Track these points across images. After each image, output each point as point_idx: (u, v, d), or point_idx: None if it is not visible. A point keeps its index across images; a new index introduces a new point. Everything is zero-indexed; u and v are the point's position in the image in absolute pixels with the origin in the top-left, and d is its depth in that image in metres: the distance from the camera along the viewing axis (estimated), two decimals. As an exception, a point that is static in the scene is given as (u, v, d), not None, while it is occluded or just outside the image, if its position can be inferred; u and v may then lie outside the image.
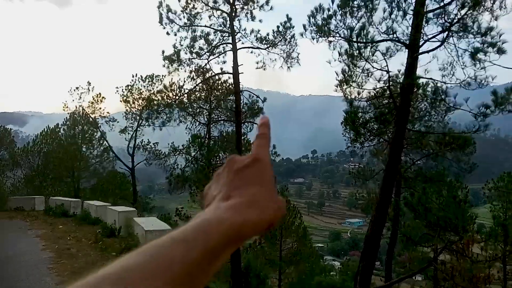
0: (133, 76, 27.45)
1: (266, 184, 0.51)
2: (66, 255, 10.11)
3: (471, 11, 12.21)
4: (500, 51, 11.73)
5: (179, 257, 0.39)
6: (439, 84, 14.84)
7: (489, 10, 12.23)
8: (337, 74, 14.36)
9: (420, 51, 12.89)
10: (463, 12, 12.30)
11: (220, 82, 22.47)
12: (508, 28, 12.37)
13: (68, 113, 29.98)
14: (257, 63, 20.00)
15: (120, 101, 27.61)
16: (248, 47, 19.48)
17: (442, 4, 12.84)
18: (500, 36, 11.84)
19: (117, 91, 27.54)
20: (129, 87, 27.36)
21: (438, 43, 12.97)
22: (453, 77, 13.35)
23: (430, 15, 13.01)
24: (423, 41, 13.07)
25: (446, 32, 12.73)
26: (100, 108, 29.26)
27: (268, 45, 19.22)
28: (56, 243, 11.67)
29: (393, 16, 12.94)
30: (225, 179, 0.53)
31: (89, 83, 29.00)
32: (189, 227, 0.43)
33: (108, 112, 29.69)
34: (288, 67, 19.49)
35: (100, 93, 29.28)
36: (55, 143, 29.87)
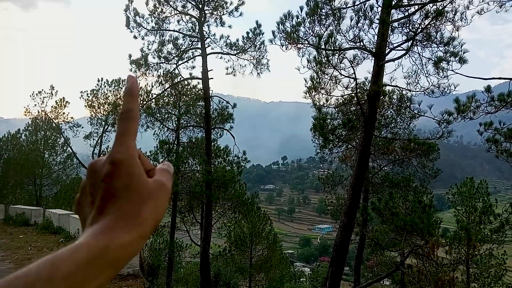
0: (98, 81, 26.73)
1: (131, 186, 0.43)
2: (26, 265, 9.67)
3: (434, 21, 12.60)
4: (462, 61, 12.12)
5: None
6: (404, 92, 15.26)
7: (451, 20, 12.66)
8: (306, 81, 14.47)
9: (386, 59, 13.16)
10: (426, 22, 12.67)
11: (189, 87, 22.20)
12: (469, 39, 12.83)
13: (30, 118, 28.86)
14: (227, 69, 19.90)
15: (85, 106, 26.80)
16: (218, 53, 19.36)
17: (406, 14, 13.20)
18: (461, 46, 12.27)
19: (81, 95, 26.71)
20: (94, 92, 26.61)
21: (403, 52, 13.30)
22: (417, 85, 13.71)
23: (396, 24, 13.35)
24: (389, 49, 13.37)
25: (411, 41, 13.07)
26: (63, 113, 28.36)
27: (238, 51, 19.14)
28: (16, 253, 11.39)
29: (360, 24, 13.18)
30: (92, 193, 0.45)
31: (52, 87, 28.02)
32: (40, 261, 0.38)
33: (72, 117, 28.81)
34: (258, 73, 19.48)
35: (63, 98, 28.40)
36: (16, 149, 28.69)
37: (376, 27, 12.95)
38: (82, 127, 28.42)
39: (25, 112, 28.28)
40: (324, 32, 13.06)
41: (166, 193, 0.46)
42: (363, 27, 13.16)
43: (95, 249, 0.39)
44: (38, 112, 28.37)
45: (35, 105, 28.01)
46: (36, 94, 27.74)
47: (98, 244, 0.39)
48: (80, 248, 0.38)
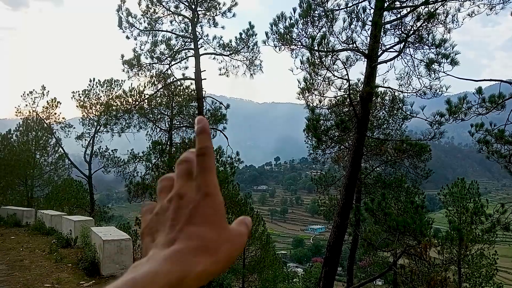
0: (90, 81, 26.54)
1: (218, 222, 0.43)
2: (18, 267, 9.83)
3: (426, 23, 12.71)
4: (453, 62, 12.24)
5: None
6: (396, 93, 15.37)
7: (442, 23, 12.79)
8: (299, 82, 14.51)
9: (378, 61, 13.24)
10: (418, 24, 12.78)
11: (182, 88, 22.13)
12: (459, 40, 12.96)
13: (21, 119, 28.55)
14: (220, 69, 19.90)
15: (77, 106, 26.59)
16: (211, 53, 19.36)
17: (399, 16, 13.30)
18: (453, 48, 12.38)
19: (73, 96, 26.50)
20: (86, 92, 26.42)
21: (396, 53, 13.40)
22: (409, 86, 13.83)
23: (388, 26, 13.45)
24: (381, 51, 13.46)
25: (403, 43, 13.16)
26: (55, 114, 28.12)
27: (231, 52, 19.15)
28: (7, 254, 11.34)
29: (352, 26, 13.26)
30: (170, 218, 0.44)
31: (43, 87, 27.75)
32: (119, 282, 0.38)
33: (63, 118, 28.60)
34: (251, 74, 19.52)
35: (55, 98, 28.15)
36: (7, 149, 28.38)
37: (368, 29, 13.04)
38: (74, 128, 28.19)
39: (16, 112, 28.00)
40: (317, 33, 13.13)
41: (242, 244, 0.46)
42: (355, 28, 13.25)
43: (173, 281, 0.38)
44: (30, 112, 28.10)
45: (26, 105, 27.75)
46: (27, 94, 27.48)
47: (175, 274, 0.39)
48: (157, 277, 0.38)
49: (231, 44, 19.01)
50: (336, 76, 13.81)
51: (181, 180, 0.46)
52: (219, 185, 0.46)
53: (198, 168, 0.46)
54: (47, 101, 27.88)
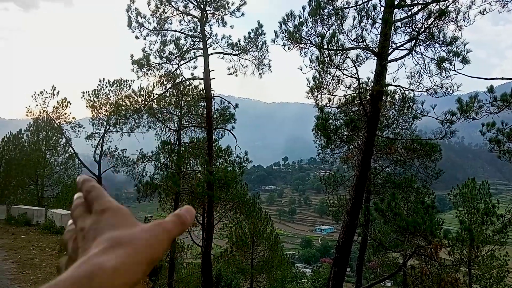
0: (100, 81, 26.71)
1: (125, 222, 0.44)
2: (29, 265, 9.91)
3: (437, 21, 12.55)
4: (465, 61, 12.06)
5: None
6: (407, 92, 15.23)
7: (454, 20, 12.61)
8: (308, 81, 14.43)
9: (388, 59, 13.10)
10: (429, 21, 12.62)
11: (190, 87, 22.17)
12: (470, 39, 12.78)
13: (31, 119, 28.87)
14: (229, 69, 19.87)
15: (87, 106, 26.77)
16: (219, 53, 19.32)
17: (409, 13, 13.15)
18: (464, 46, 12.21)
19: (83, 96, 26.69)
20: (96, 92, 26.58)
21: (406, 52, 13.25)
22: (420, 85, 13.66)
23: (398, 24, 13.31)
24: (392, 49, 13.32)
25: (414, 41, 13.02)
26: (65, 114, 28.35)
27: (239, 51, 19.11)
28: (18, 253, 11.48)
29: (362, 24, 13.13)
30: (80, 244, 0.45)
31: (54, 87, 28.01)
32: None
33: (73, 118, 28.80)
34: (260, 74, 19.45)
35: (65, 98, 28.39)
36: (18, 149, 28.74)
37: (379, 27, 12.92)
38: (84, 128, 28.38)
39: (27, 112, 28.30)
40: (327, 31, 13.03)
41: (163, 230, 0.45)
42: (365, 26, 13.12)
43: (81, 275, 0.38)
44: (40, 113, 28.37)
45: (37, 105, 28.02)
46: (38, 95, 27.75)
47: (83, 271, 0.38)
48: (68, 277, 0.37)
49: (239, 44, 18.99)
50: (345, 75, 13.70)
51: (79, 221, 0.47)
52: (117, 201, 0.48)
53: (90, 202, 0.48)
54: (57, 101, 28.16)
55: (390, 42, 13.10)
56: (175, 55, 18.82)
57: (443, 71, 12.60)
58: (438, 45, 12.77)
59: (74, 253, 0.45)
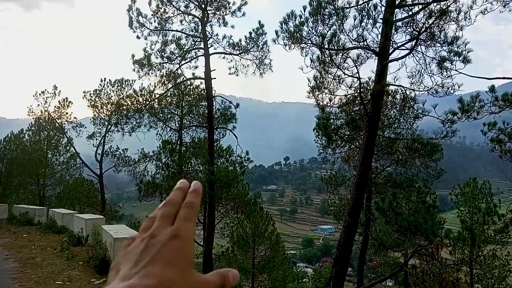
0: (101, 81, 26.78)
1: (182, 266, 0.44)
2: (30, 264, 9.95)
3: (438, 20, 12.54)
4: (466, 60, 12.05)
5: None
6: (408, 91, 15.21)
7: (455, 20, 12.60)
8: (309, 81, 14.44)
9: (389, 59, 13.10)
10: (430, 21, 12.61)
11: (192, 87, 22.22)
12: (471, 39, 12.76)
13: (33, 118, 28.95)
14: (230, 69, 19.89)
15: (88, 106, 26.84)
16: (220, 53, 19.35)
17: (410, 13, 13.15)
18: (465, 46, 12.21)
19: (84, 95, 26.75)
20: (97, 92, 26.64)
21: (407, 51, 13.24)
22: (421, 84, 13.65)
23: (399, 23, 13.30)
24: (393, 49, 13.32)
25: (415, 41, 13.01)
26: (66, 113, 28.48)
27: (240, 51, 19.13)
28: (20, 252, 11.51)
29: (363, 24, 13.14)
30: (137, 254, 0.45)
31: (55, 87, 28.09)
32: None
33: (75, 118, 28.91)
34: (261, 74, 19.47)
35: (67, 98, 28.49)
36: (19, 149, 28.79)
37: (379, 27, 12.92)
38: (85, 127, 28.47)
39: (28, 112, 28.42)
40: (328, 31, 13.03)
41: None
42: (366, 26, 13.13)
43: None
44: (41, 112, 28.51)
45: (38, 105, 28.15)
46: (39, 94, 27.87)
47: None
48: None
49: (240, 43, 19.00)
50: (346, 74, 13.70)
51: (160, 222, 0.48)
52: (194, 234, 0.48)
53: (179, 215, 0.49)
54: (59, 101, 28.27)
55: (391, 42, 13.10)
56: (176, 55, 18.84)
57: (444, 70, 12.61)
58: (439, 44, 12.78)
59: (120, 263, 0.46)
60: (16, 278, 8.58)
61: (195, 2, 18.62)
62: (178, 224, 0.47)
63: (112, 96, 26.68)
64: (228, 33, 19.39)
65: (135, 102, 22.38)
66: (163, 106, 21.75)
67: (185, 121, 22.44)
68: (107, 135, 27.25)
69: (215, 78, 18.88)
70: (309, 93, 14.55)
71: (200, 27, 18.90)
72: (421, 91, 13.70)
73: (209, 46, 18.85)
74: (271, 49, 19.68)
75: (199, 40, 19.09)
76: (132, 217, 52.95)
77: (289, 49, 13.68)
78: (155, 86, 21.39)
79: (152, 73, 19.01)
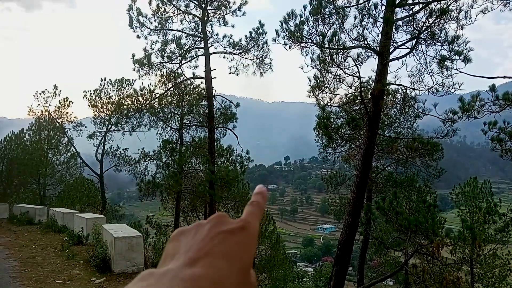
0: (101, 80, 26.77)
1: (243, 262, 0.42)
2: (30, 263, 9.96)
3: (438, 19, 12.53)
4: (466, 60, 12.04)
5: None
6: (408, 91, 15.20)
7: (455, 19, 12.59)
8: (309, 80, 14.42)
9: (390, 58, 13.09)
10: (431, 20, 12.60)
11: (192, 86, 22.22)
12: (471, 38, 12.75)
13: (33, 118, 28.96)
14: (230, 68, 19.90)
15: (88, 105, 26.85)
16: (221, 52, 19.35)
17: (411, 12, 13.13)
18: (466, 45, 12.19)
19: (85, 95, 26.75)
20: (98, 91, 26.64)
21: (407, 50, 13.23)
22: (421, 83, 13.65)
23: (400, 22, 13.29)
24: (393, 48, 13.31)
25: (415, 40, 13.00)
26: (67, 113, 28.49)
27: (240, 51, 19.13)
28: (20, 251, 11.55)
29: (363, 23, 13.12)
30: (202, 236, 0.44)
31: (55, 87, 28.10)
32: None
33: (75, 117, 28.94)
34: (261, 73, 19.47)
35: (67, 97, 28.51)
36: (20, 148, 28.81)
37: (380, 26, 12.91)
38: (86, 127, 28.48)
39: (29, 112, 28.43)
40: (328, 30, 13.02)
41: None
42: (367, 25, 13.11)
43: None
44: (42, 112, 28.52)
45: (39, 104, 28.17)
46: (40, 94, 27.87)
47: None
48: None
49: (241, 43, 19.00)
50: (347, 74, 13.69)
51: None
52: (258, 232, 0.47)
53: (245, 210, 0.49)
54: (59, 101, 28.28)
55: (392, 41, 13.09)
56: (177, 55, 18.85)
57: (445, 69, 12.60)
58: (439, 43, 12.76)
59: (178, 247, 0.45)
60: (16, 277, 8.59)
61: (195, 2, 18.63)
62: (246, 215, 0.47)
63: (112, 95, 26.71)
64: (229, 33, 19.41)
65: (135, 101, 22.38)
66: (163, 105, 21.74)
67: (186, 121, 22.44)
68: (107, 134, 27.26)
69: (215, 78, 18.90)
70: (310, 93, 14.54)
71: (200, 27, 18.91)
72: (421, 90, 13.70)
73: (209, 45, 18.87)
74: (272, 48, 19.76)
75: (199, 39, 19.10)
76: (133, 217, 53.00)
77: (290, 48, 13.67)
78: (155, 86, 21.41)
79: (152, 73, 19.04)
